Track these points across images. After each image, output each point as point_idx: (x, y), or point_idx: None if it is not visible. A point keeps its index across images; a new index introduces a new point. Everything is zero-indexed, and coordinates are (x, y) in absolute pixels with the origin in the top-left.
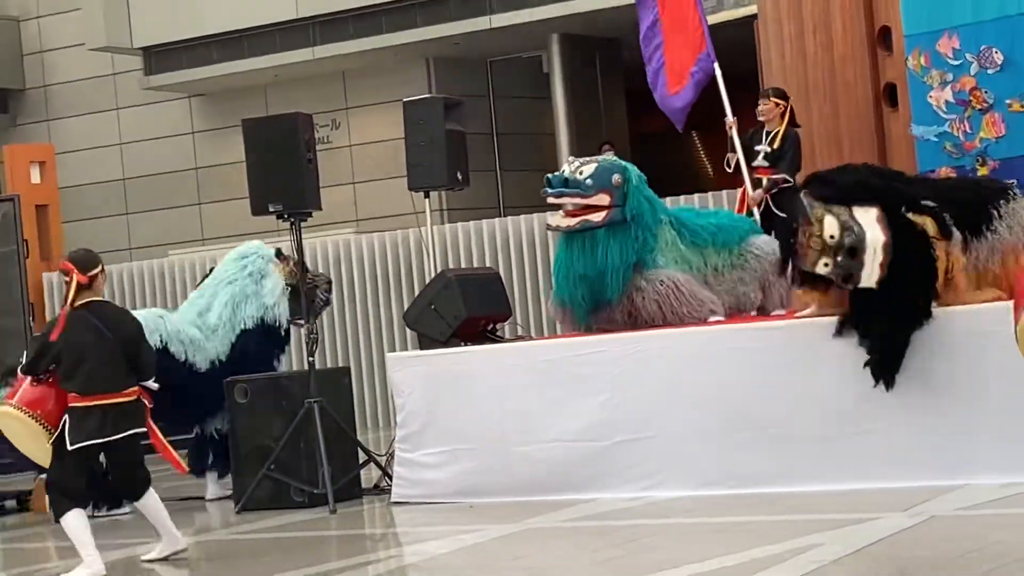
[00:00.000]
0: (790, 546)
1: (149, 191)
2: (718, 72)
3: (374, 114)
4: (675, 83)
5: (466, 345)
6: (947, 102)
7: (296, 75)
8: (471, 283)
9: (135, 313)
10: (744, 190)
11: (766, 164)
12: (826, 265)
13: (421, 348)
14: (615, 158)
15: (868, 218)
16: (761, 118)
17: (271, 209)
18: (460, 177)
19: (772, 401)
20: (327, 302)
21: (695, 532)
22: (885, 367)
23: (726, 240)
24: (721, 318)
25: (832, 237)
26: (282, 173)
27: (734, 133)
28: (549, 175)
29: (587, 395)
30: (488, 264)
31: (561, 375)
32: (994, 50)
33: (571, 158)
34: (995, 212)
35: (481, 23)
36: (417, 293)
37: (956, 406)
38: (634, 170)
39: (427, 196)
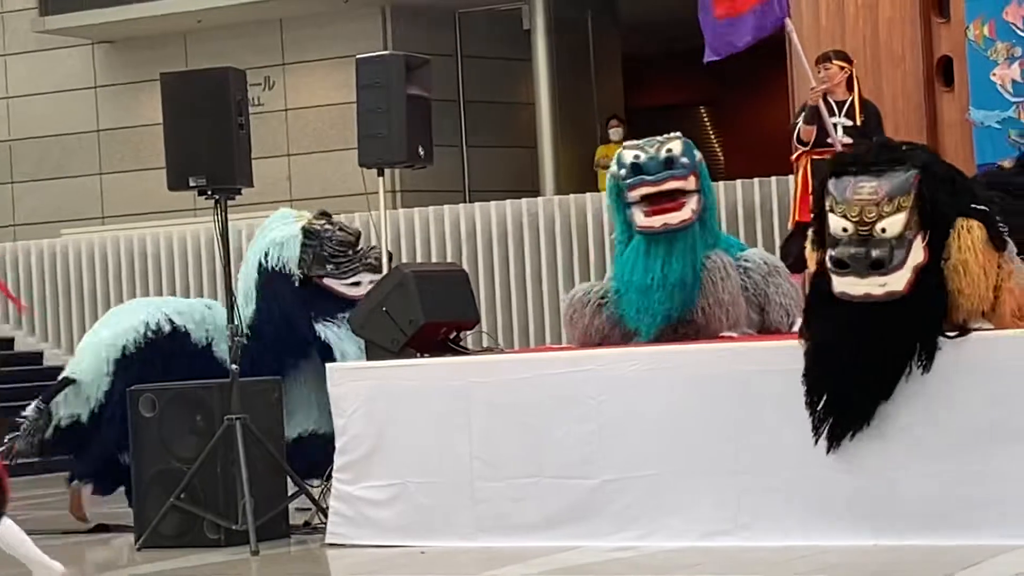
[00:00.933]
0: None
1: (40, 156)
2: (791, 28)
3: (317, 72)
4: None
5: (423, 356)
6: (1014, 81)
7: (224, 21)
8: (431, 282)
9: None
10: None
11: (848, 141)
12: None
13: (369, 358)
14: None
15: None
16: (827, 83)
17: (192, 183)
18: (422, 153)
19: (797, 435)
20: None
21: None
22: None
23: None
24: (735, 335)
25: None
26: (207, 141)
27: (821, 103)
28: (632, 160)
29: (570, 422)
30: (451, 258)
31: (539, 397)
32: None
33: (634, 141)
34: None
35: None
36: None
37: (992, 449)
38: None
39: (381, 174)
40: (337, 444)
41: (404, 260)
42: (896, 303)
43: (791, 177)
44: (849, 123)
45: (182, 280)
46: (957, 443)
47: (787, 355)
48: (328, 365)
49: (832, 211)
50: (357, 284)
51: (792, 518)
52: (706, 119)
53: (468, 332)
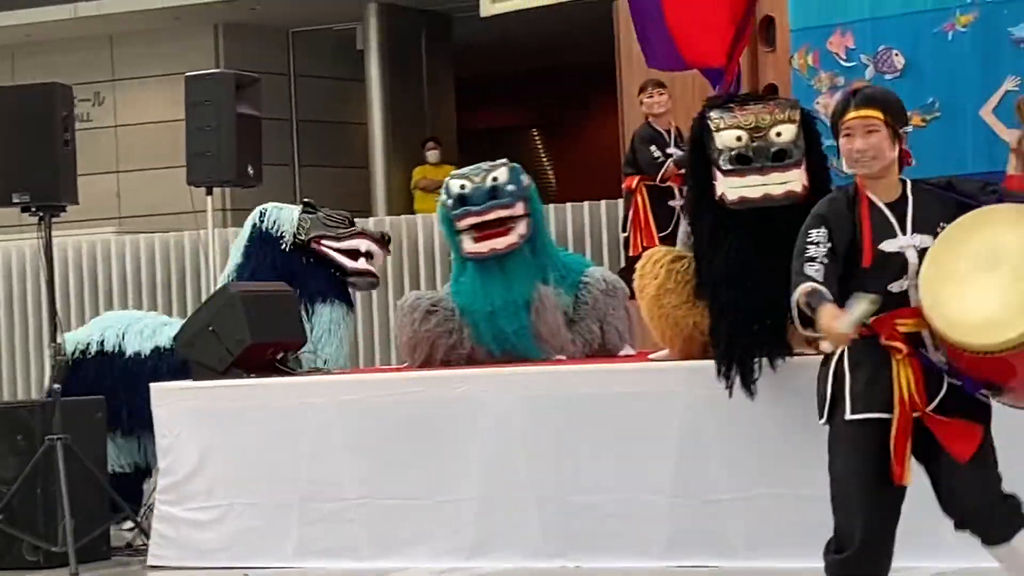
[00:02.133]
0: None
1: None
2: None
3: (148, 89)
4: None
5: (250, 376)
6: None
7: (53, 36)
8: (260, 302)
9: None
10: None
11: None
12: None
13: (195, 378)
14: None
15: None
16: (659, 109)
17: (15, 200)
18: (251, 171)
19: (627, 458)
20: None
21: None
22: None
23: (573, 281)
24: (564, 357)
25: None
26: (31, 157)
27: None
28: (459, 191)
29: (402, 442)
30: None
31: (369, 418)
32: (894, 52)
33: (460, 171)
34: None
35: None
36: (192, 310)
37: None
38: None
39: (210, 192)
40: (161, 465)
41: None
42: (793, 208)
43: (620, 201)
44: (681, 153)
45: (6, 297)
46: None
47: (621, 378)
48: (152, 385)
49: (719, 131)
50: (355, 252)
51: (620, 540)
52: (538, 141)
53: (296, 352)
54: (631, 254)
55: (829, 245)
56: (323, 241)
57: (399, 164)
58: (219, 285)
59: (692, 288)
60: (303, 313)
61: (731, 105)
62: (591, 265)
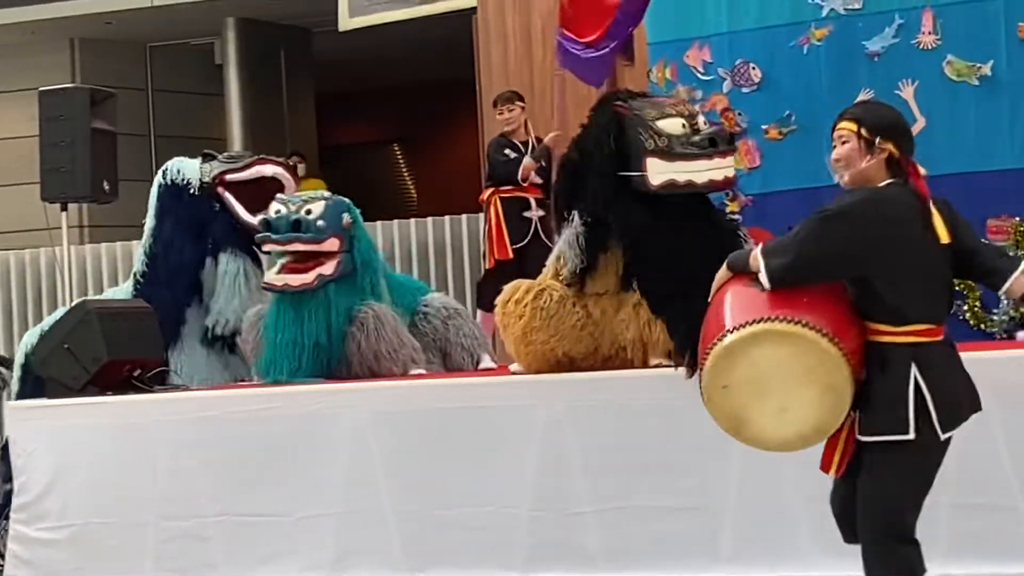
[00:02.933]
0: None
1: None
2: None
3: (3, 104)
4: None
5: (106, 394)
6: None
7: None
8: (116, 318)
9: None
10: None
11: (539, 181)
12: None
13: (49, 396)
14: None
15: None
16: (509, 127)
17: None
18: (107, 187)
19: (487, 471)
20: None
21: None
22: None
23: (408, 303)
24: (423, 371)
25: None
26: None
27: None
28: (267, 217)
29: (260, 458)
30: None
31: (226, 435)
32: (751, 65)
33: (282, 196)
34: None
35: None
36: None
37: (698, 482)
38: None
39: (64, 208)
40: (15, 485)
41: (91, 295)
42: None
43: (481, 215)
44: (543, 164)
45: None
46: None
47: (480, 391)
48: (5, 404)
49: (660, 119)
50: (258, 184)
51: (481, 553)
52: (399, 156)
53: (153, 370)
54: (487, 267)
55: None
56: (226, 176)
57: None
58: (140, 252)
59: (564, 317)
60: (211, 265)
61: (644, 98)
62: (429, 291)
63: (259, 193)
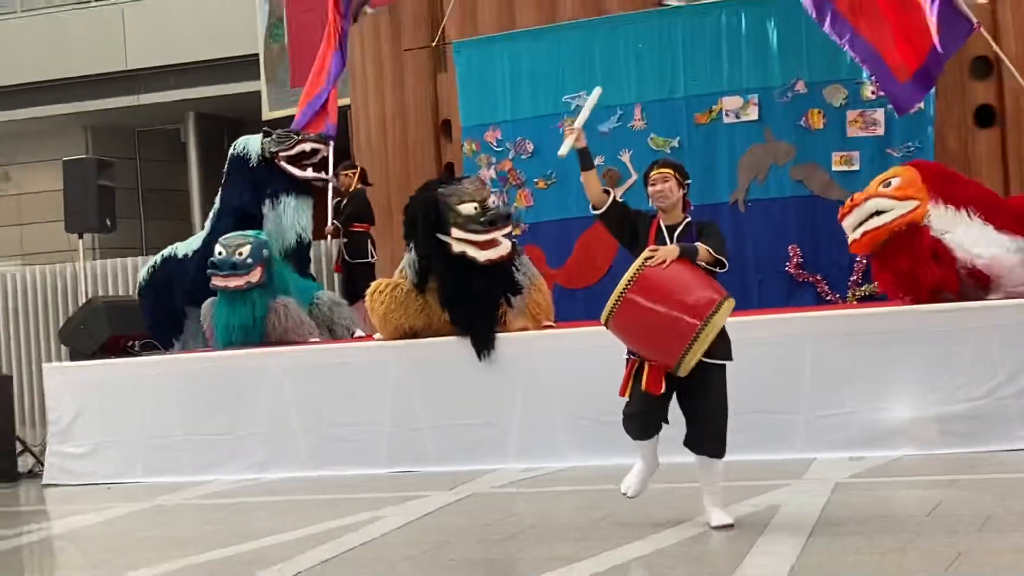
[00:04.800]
0: (363, 517)
1: None
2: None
3: (39, 169)
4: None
5: (111, 358)
6: (491, 179)
7: None
8: (117, 308)
9: None
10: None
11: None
12: None
13: (72, 360)
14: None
15: None
16: (342, 187)
17: None
18: (109, 223)
19: (361, 404)
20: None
21: (291, 507)
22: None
23: (307, 298)
24: (318, 340)
25: None
26: None
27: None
28: (214, 259)
29: (214, 398)
30: (131, 293)
31: (192, 383)
32: (527, 141)
33: (225, 240)
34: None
35: (131, 100)
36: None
37: (493, 408)
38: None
39: (81, 237)
40: (50, 418)
41: (99, 294)
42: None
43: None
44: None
45: None
46: None
47: (353, 353)
48: (45, 365)
49: (459, 204)
50: (302, 154)
51: (357, 455)
52: None
53: (140, 340)
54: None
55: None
56: (280, 155)
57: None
58: (212, 213)
59: (410, 303)
60: (271, 205)
61: (450, 184)
62: (321, 288)
63: (303, 156)
